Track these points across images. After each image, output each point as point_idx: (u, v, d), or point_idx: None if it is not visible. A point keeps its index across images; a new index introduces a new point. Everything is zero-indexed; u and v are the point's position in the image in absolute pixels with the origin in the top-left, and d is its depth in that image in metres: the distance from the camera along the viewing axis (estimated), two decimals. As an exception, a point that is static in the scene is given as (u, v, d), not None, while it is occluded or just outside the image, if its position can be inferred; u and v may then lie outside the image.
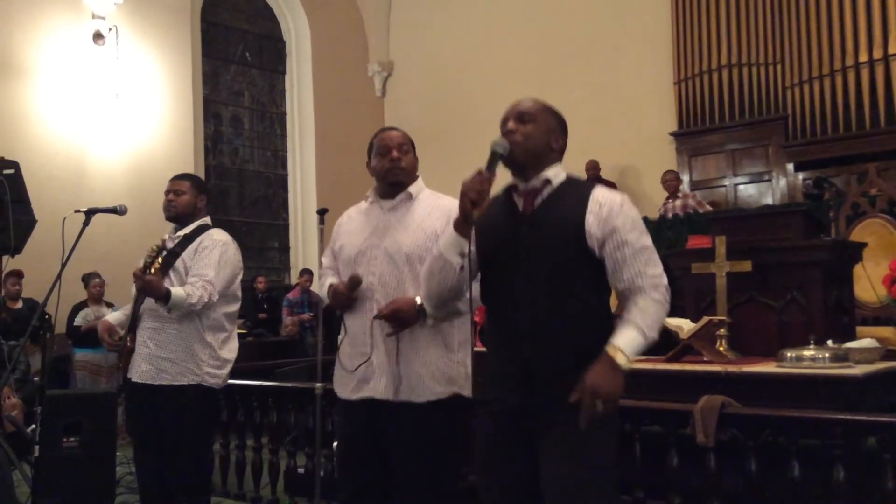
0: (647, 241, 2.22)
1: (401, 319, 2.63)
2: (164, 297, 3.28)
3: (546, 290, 2.19)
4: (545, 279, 2.19)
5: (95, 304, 7.84)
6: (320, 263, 3.07)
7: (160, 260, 3.43)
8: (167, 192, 3.64)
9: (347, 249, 2.88)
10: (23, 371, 6.61)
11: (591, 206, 2.21)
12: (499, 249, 2.22)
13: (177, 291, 3.32)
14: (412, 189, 2.85)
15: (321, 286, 3.00)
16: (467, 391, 2.75)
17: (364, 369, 2.76)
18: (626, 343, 2.11)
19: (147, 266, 3.38)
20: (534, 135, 2.27)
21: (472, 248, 2.22)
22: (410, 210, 2.83)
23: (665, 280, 2.22)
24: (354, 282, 2.75)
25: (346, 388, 2.84)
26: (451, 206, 2.83)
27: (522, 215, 2.28)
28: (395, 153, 2.81)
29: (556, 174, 2.30)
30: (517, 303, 2.20)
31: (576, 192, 2.28)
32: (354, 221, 2.93)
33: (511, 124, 2.28)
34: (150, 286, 3.30)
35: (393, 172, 2.81)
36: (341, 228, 2.98)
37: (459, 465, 2.87)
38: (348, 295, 2.77)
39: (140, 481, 3.58)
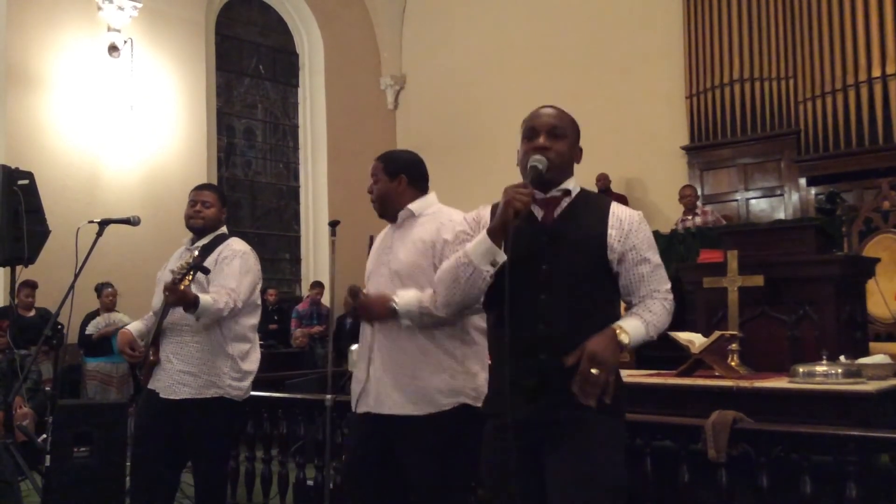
0: (659, 258, 2.32)
1: (369, 310, 2.72)
2: (192, 303, 3.26)
3: (568, 301, 2.20)
4: (567, 290, 2.21)
5: (107, 312, 7.87)
6: (331, 275, 3.12)
7: (191, 276, 3.35)
8: (193, 203, 3.60)
9: (367, 270, 3.00)
10: (34, 380, 6.64)
11: (612, 221, 2.27)
12: (518, 258, 2.18)
13: (204, 298, 3.31)
14: (413, 206, 2.90)
15: None
16: (478, 401, 2.75)
17: (364, 383, 2.84)
18: (630, 327, 2.18)
19: (177, 281, 3.32)
20: (565, 152, 2.29)
21: (505, 256, 2.18)
22: (412, 226, 2.89)
23: (672, 295, 2.32)
24: (352, 291, 2.81)
25: (353, 401, 2.91)
26: (443, 218, 2.85)
27: (542, 225, 2.28)
28: (368, 190, 2.96)
29: (574, 185, 2.33)
30: (537, 313, 2.20)
31: (595, 206, 2.32)
32: (378, 242, 3.05)
33: (543, 140, 2.27)
34: (181, 296, 3.25)
35: (375, 208, 2.98)
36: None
37: (468, 477, 2.86)
38: (351, 303, 2.83)
39: (134, 491, 3.57)
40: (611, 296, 2.30)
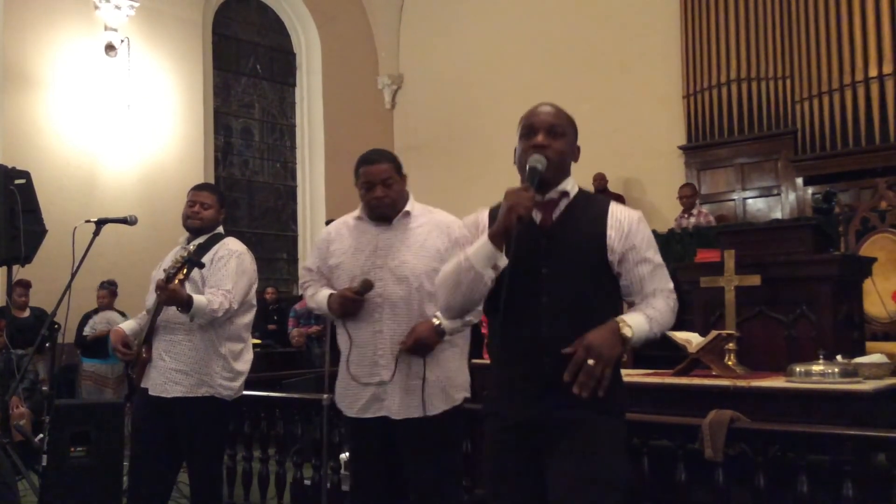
0: (660, 258, 2.29)
1: (425, 347, 2.72)
2: (185, 303, 3.25)
3: (569, 303, 2.18)
4: (568, 292, 2.19)
5: (103, 311, 7.85)
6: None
7: (184, 271, 3.34)
8: (192, 203, 3.58)
9: (346, 269, 2.89)
10: (31, 381, 6.63)
11: (611, 222, 2.24)
12: (518, 261, 2.16)
13: (199, 298, 3.30)
14: (409, 206, 2.92)
15: (311, 296, 3.01)
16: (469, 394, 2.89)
17: (376, 388, 2.80)
18: (633, 321, 2.14)
19: (170, 278, 3.30)
20: (564, 151, 2.26)
21: (506, 260, 2.15)
22: (409, 228, 2.87)
23: (675, 294, 2.29)
24: (366, 286, 2.76)
25: (355, 405, 2.87)
26: (447, 221, 2.89)
27: (541, 228, 2.25)
28: (378, 191, 2.83)
29: (572, 186, 2.30)
30: (539, 316, 2.18)
31: (593, 207, 2.29)
32: (346, 239, 2.94)
33: (542, 138, 2.23)
34: (173, 294, 3.24)
35: (379, 209, 2.86)
36: (333, 245, 2.98)
37: (462, 468, 2.98)
38: (359, 300, 2.78)
39: (131, 490, 3.57)
40: (613, 297, 2.27)
